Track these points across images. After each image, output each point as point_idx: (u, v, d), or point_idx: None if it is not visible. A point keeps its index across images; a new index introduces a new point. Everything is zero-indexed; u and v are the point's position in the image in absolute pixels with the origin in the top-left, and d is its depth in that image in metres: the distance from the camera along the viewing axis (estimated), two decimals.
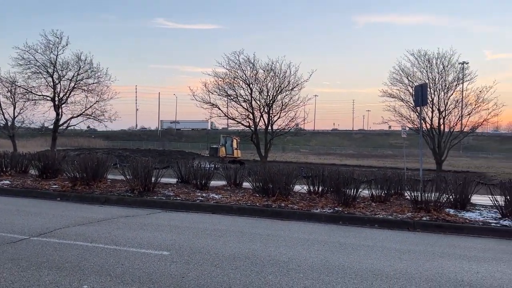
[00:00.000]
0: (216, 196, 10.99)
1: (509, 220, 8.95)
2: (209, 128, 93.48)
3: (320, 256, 5.93)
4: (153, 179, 11.43)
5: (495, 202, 9.58)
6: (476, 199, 11.22)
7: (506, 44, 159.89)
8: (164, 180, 12.80)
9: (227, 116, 29.23)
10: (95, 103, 32.05)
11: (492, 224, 8.64)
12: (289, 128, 29.04)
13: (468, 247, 7.15)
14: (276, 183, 10.63)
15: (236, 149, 38.48)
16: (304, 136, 58.72)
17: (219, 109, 28.76)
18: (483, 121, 27.68)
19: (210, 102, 28.40)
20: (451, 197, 10.14)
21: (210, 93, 28.31)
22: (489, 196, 9.90)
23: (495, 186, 11.84)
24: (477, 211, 10.11)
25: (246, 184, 13.01)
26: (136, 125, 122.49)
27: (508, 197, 9.36)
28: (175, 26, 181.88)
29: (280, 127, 29.02)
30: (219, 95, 28.54)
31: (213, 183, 13.20)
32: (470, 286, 4.81)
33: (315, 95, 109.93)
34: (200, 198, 10.70)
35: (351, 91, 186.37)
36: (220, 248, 6.12)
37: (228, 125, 32.49)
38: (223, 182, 13.87)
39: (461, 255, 6.44)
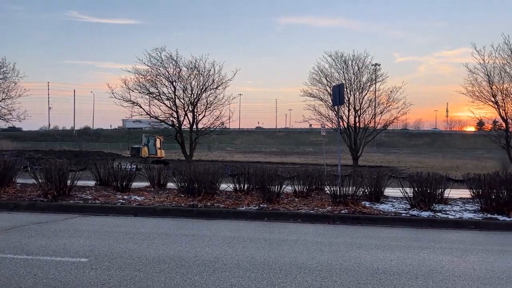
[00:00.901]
0: (139, 198, 10.60)
1: (417, 210, 9.75)
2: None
3: (246, 253, 5.98)
4: (68, 182, 10.72)
5: (405, 194, 10.40)
6: (388, 191, 12.08)
7: (412, 48, 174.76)
8: (81, 183, 12.07)
9: (149, 115, 28.28)
10: (0, 101, 29.26)
11: (403, 214, 9.35)
12: (215, 127, 28.89)
13: (382, 237, 7.67)
14: (202, 183, 10.53)
15: (159, 148, 37.52)
16: (229, 134, 58.96)
17: (141, 107, 27.72)
18: (394, 119, 29.84)
19: (130, 100, 27.23)
20: (366, 190, 10.81)
21: (131, 91, 27.16)
22: (400, 188, 10.71)
23: (405, 179, 12.84)
24: (389, 202, 10.89)
25: (170, 185, 12.74)
26: (49, 124, 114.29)
27: (416, 189, 10.21)
28: (90, 20, 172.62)
29: (205, 125, 28.79)
30: (140, 92, 27.44)
31: (135, 184, 12.74)
32: (384, 274, 5.16)
33: (240, 94, 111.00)
34: (121, 200, 10.24)
35: (274, 90, 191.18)
36: (144, 252, 5.91)
37: (150, 124, 31.40)
38: (146, 184, 13.46)
39: (376, 245, 6.88)
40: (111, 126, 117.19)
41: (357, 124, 28.28)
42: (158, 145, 37.25)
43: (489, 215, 9.35)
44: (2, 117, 29.61)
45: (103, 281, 4.59)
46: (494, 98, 24.38)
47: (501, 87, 24.41)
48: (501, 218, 9.12)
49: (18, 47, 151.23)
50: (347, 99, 27.44)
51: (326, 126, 27.86)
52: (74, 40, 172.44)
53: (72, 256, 5.56)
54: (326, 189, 12.05)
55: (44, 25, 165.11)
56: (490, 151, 58.50)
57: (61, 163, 11.10)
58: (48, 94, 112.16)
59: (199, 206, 9.69)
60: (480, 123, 32.79)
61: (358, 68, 28.51)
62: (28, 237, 6.74)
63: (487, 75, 24.42)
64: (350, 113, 28.35)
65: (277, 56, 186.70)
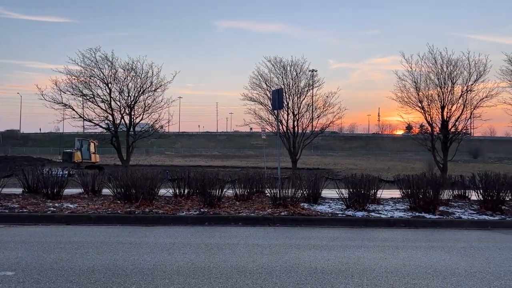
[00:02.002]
0: (71, 206, 10.06)
1: (352, 210, 10.17)
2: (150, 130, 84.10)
3: (186, 259, 5.88)
4: None
5: (341, 195, 10.80)
6: (326, 193, 12.47)
7: (346, 55, 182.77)
8: (6, 190, 11.23)
9: (82, 118, 26.94)
10: None
11: (339, 215, 9.70)
12: (153, 130, 28.20)
13: (320, 237, 7.90)
14: (139, 188, 10.20)
15: (94, 153, 35.93)
16: (168, 138, 57.81)
17: (73, 110, 26.33)
18: (330, 123, 30.90)
19: (62, 102, 25.78)
20: (305, 192, 11.10)
21: (62, 93, 25.71)
22: (336, 190, 11.11)
23: (341, 181, 13.34)
24: (327, 203, 11.26)
25: (106, 191, 12.22)
26: None
27: (351, 190, 10.65)
28: (17, 17, 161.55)
29: (143, 129, 27.97)
30: (72, 94, 26.09)
31: (68, 191, 12.08)
32: (322, 273, 5.31)
33: (179, 97, 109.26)
34: (51, 208, 9.65)
35: (215, 93, 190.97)
36: (77, 262, 5.61)
37: (84, 128, 29.88)
38: (80, 190, 12.82)
39: (314, 245, 7.08)
40: (40, 129, 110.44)
41: (296, 128, 28.96)
42: (92, 149, 35.63)
43: (417, 214, 9.97)
44: None
45: None
46: (421, 104, 26.10)
47: (427, 94, 26.19)
48: (427, 216, 9.77)
49: None
50: (286, 103, 28.00)
51: (267, 130, 28.27)
52: None
53: None
54: (266, 191, 12.20)
55: None
56: (418, 153, 62.72)
57: None
58: None
59: (136, 212, 9.38)
60: (409, 127, 34.95)
61: (296, 74, 29.24)
62: None
63: (415, 82, 26.10)
64: (289, 117, 28.98)
65: (217, 59, 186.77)
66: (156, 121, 27.60)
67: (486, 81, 25.43)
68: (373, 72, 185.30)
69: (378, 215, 9.82)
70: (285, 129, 28.70)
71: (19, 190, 12.49)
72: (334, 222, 9.24)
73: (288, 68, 29.15)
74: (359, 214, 9.85)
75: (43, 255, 5.95)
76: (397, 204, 11.49)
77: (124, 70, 26.44)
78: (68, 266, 5.37)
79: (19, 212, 9.18)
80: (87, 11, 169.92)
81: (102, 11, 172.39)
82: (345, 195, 10.69)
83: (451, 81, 25.58)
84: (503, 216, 10.01)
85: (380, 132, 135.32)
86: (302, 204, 10.65)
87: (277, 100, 13.05)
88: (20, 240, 7.01)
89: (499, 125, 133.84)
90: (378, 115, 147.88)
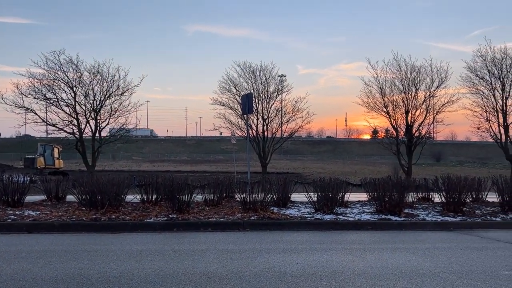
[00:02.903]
0: (33, 213, 9.69)
1: (321, 213, 10.29)
2: (149, 135, 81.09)
3: (154, 266, 5.77)
4: None
5: (310, 199, 10.92)
6: (295, 197, 12.58)
7: (313, 60, 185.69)
8: None
9: (45, 122, 26.06)
10: None
11: (308, 218, 9.80)
12: (120, 135, 27.62)
13: (289, 241, 7.94)
14: (105, 194, 9.95)
15: (58, 158, 34.87)
16: (136, 143, 56.72)
17: (36, 114, 25.46)
18: (299, 127, 31.24)
19: (23, 106, 24.89)
20: (275, 196, 11.15)
21: (24, 96, 24.83)
22: (305, 193, 11.22)
23: (310, 185, 13.49)
24: (296, 207, 11.35)
25: (70, 198, 11.85)
26: None
27: (320, 194, 10.78)
28: None
29: (109, 133, 27.36)
30: (35, 98, 25.24)
31: (30, 198, 11.65)
32: (292, 277, 5.33)
33: (147, 101, 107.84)
34: (12, 216, 9.27)
35: (183, 98, 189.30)
36: (39, 272, 5.39)
37: (47, 132, 28.93)
38: (43, 197, 12.38)
39: (284, 249, 7.10)
40: (0, 134, 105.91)
41: (265, 133, 29.11)
42: (56, 154, 34.57)
43: (383, 216, 10.20)
44: None
45: None
46: (386, 109, 26.86)
47: (392, 99, 27.00)
48: (393, 218, 10.01)
49: None
50: (255, 108, 28.11)
51: (236, 134, 28.24)
52: None
53: None
54: (236, 196, 12.16)
55: None
56: (384, 157, 64.33)
57: None
58: None
59: (102, 219, 9.14)
60: (375, 132, 35.78)
61: (266, 79, 29.42)
62: None
63: (380, 87, 26.88)
64: (259, 122, 29.10)
65: (186, 63, 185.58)
66: (123, 125, 27.08)
67: (447, 87, 26.56)
68: (340, 78, 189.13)
69: (346, 218, 9.97)
70: (254, 134, 28.78)
71: None
72: (303, 226, 9.31)
73: (258, 73, 29.31)
74: (328, 217, 9.97)
75: (3, 266, 5.69)
76: (364, 207, 11.71)
77: (89, 73, 25.81)
78: (30, 277, 5.16)
79: None
80: (50, 13, 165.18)
81: (66, 13, 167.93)
82: (313, 199, 10.81)
83: (415, 87, 26.49)
84: (464, 217, 10.39)
85: (347, 137, 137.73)
86: (272, 208, 10.68)
87: (247, 104, 13.10)
88: None
89: (460, 129, 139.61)
90: (345, 120, 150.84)
